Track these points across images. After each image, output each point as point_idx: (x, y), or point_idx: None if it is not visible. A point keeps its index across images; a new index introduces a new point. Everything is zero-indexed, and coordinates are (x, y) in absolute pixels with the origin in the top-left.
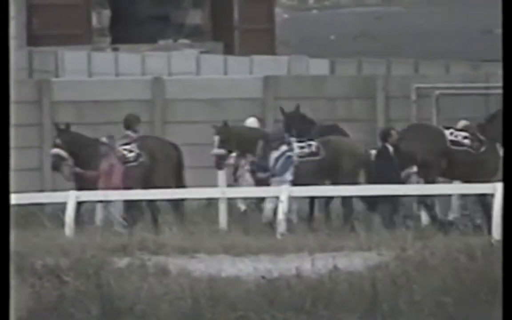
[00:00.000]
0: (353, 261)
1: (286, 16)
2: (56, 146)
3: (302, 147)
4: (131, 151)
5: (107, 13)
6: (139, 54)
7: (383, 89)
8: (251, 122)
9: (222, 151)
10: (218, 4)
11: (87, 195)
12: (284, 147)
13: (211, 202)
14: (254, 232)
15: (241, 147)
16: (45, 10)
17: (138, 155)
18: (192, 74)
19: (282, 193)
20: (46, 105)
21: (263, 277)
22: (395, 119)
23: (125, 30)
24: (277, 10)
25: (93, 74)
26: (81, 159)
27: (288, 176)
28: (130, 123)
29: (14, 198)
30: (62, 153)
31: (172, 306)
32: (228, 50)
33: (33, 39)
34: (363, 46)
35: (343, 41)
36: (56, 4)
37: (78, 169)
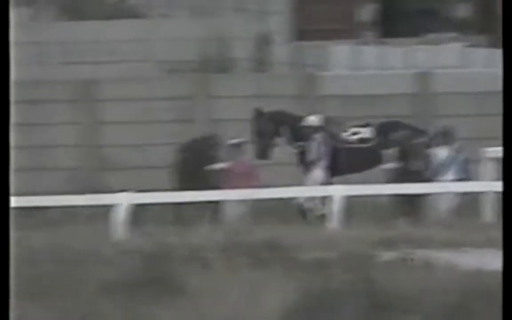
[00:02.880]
0: None
1: None
2: None
3: None
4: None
5: (373, 7)
6: (405, 48)
7: None
8: (312, 120)
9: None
10: None
11: (353, 189)
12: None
13: (477, 196)
14: None
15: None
16: (312, 4)
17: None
18: (459, 67)
19: None
20: (314, 99)
21: None
22: None
23: (393, 24)
24: None
25: (360, 68)
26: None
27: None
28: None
29: (282, 192)
30: None
31: (437, 300)
32: (496, 43)
33: (300, 34)
34: None
35: None
36: None
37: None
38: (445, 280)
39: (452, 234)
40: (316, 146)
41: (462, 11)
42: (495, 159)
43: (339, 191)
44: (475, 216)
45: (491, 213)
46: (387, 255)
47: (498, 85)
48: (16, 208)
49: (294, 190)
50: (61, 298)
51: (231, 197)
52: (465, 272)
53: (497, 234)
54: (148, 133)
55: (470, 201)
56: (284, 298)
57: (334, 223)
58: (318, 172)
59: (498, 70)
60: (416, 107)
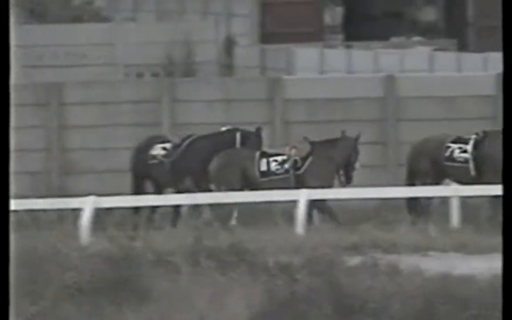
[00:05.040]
0: None
1: None
2: None
3: None
4: None
5: (339, 10)
6: (371, 51)
7: None
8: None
9: None
10: (452, 0)
11: (319, 193)
12: None
13: (444, 200)
14: (487, 230)
15: None
16: (278, 7)
17: None
18: (425, 71)
19: None
20: (278, 103)
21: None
22: None
23: (358, 27)
24: None
25: (325, 72)
26: None
27: None
28: None
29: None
30: None
31: (404, 304)
32: (462, 47)
33: (265, 37)
34: None
35: None
36: (289, 1)
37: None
38: (410, 285)
39: (420, 238)
40: None
41: (428, 15)
42: None
43: (303, 195)
44: (443, 220)
45: (458, 217)
46: (353, 260)
47: (464, 89)
48: None
49: (267, 194)
50: (27, 301)
51: (196, 201)
52: (430, 277)
53: (463, 239)
54: (113, 136)
55: (440, 204)
56: (249, 302)
57: (298, 228)
58: None
59: (464, 73)
60: (383, 111)
